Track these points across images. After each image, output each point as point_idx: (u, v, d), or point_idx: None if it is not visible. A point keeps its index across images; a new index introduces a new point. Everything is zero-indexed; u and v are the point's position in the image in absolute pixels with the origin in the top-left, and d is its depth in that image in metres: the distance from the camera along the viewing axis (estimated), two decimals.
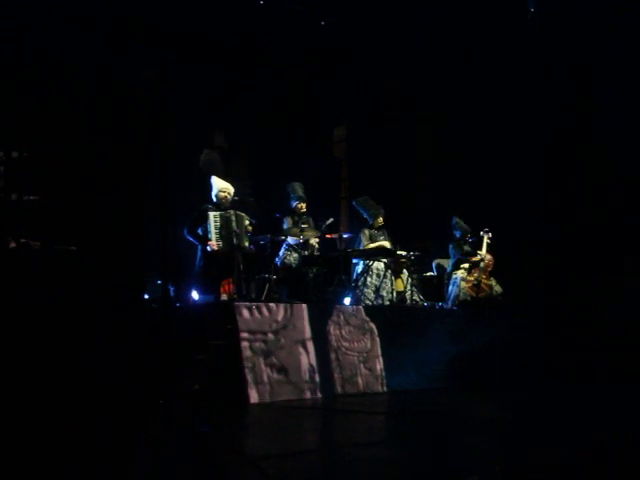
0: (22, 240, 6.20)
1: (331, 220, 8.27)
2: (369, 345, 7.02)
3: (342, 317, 6.90)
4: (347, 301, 7.89)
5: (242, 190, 8.77)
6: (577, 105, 9.29)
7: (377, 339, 7.09)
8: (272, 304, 6.49)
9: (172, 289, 7.54)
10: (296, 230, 8.02)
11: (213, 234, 7.20)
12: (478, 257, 8.67)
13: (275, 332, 6.34)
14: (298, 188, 8.42)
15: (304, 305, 6.70)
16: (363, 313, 7.14)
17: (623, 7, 8.65)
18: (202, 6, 8.22)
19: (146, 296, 7.60)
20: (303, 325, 6.59)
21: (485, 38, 9.29)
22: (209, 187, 7.70)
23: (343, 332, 6.87)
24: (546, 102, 9.35)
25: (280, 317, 6.45)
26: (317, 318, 6.71)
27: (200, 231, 7.29)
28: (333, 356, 6.68)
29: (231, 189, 7.59)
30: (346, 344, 6.83)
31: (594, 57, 9.06)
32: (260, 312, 6.34)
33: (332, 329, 6.79)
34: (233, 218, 7.34)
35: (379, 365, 6.99)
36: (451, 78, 9.86)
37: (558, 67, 9.26)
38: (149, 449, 4.28)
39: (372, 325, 7.11)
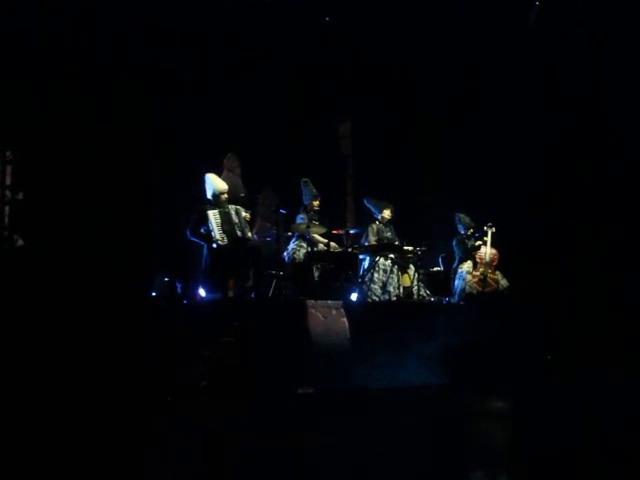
0: (28, 238, 6.26)
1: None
2: None
3: None
4: (354, 297, 7.89)
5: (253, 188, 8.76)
6: (580, 100, 9.25)
7: None
8: None
9: (179, 286, 7.58)
10: (303, 227, 8.02)
11: (216, 231, 7.21)
12: (482, 254, 8.64)
13: None
14: (312, 185, 8.40)
15: None
16: None
17: (624, 6, 8.62)
18: (202, 4, 8.22)
19: (153, 293, 7.64)
20: None
21: (487, 35, 9.25)
22: (204, 185, 7.63)
23: None
24: (548, 97, 9.32)
25: None
26: None
27: (203, 230, 7.28)
28: None
29: (227, 188, 7.59)
30: None
31: (596, 53, 9.02)
32: None
33: None
34: (232, 212, 7.41)
35: None
36: (453, 74, 9.83)
37: (560, 63, 9.22)
38: (156, 446, 4.31)
39: None
